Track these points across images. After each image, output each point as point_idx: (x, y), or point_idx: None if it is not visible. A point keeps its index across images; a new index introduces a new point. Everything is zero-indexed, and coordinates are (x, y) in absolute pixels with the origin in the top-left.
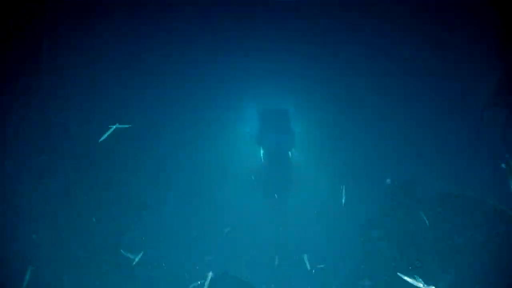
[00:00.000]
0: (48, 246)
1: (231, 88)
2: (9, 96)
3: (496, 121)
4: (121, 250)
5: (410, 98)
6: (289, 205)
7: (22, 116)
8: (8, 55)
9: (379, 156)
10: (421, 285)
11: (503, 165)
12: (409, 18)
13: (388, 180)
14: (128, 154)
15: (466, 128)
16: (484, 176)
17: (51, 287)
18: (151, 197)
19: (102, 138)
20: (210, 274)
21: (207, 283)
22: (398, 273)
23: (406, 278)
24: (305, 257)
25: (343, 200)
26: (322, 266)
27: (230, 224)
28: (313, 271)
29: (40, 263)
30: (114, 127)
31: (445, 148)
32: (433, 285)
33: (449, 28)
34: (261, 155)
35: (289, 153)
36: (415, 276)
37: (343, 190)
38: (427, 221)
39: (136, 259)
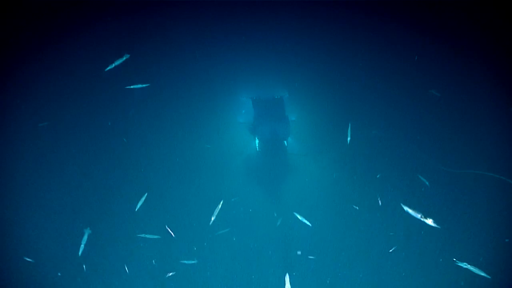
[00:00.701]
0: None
1: (224, 77)
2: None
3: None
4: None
5: (411, 88)
6: (286, 195)
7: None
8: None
9: (378, 145)
10: (419, 216)
11: None
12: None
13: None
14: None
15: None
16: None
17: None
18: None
19: (109, 68)
20: (221, 202)
21: (217, 210)
22: (402, 204)
23: (406, 208)
24: (298, 216)
25: (348, 139)
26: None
27: (229, 222)
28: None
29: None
30: (125, 58)
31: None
32: (431, 218)
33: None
34: (256, 145)
35: (285, 142)
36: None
37: (349, 129)
38: (427, 182)
39: (139, 206)
